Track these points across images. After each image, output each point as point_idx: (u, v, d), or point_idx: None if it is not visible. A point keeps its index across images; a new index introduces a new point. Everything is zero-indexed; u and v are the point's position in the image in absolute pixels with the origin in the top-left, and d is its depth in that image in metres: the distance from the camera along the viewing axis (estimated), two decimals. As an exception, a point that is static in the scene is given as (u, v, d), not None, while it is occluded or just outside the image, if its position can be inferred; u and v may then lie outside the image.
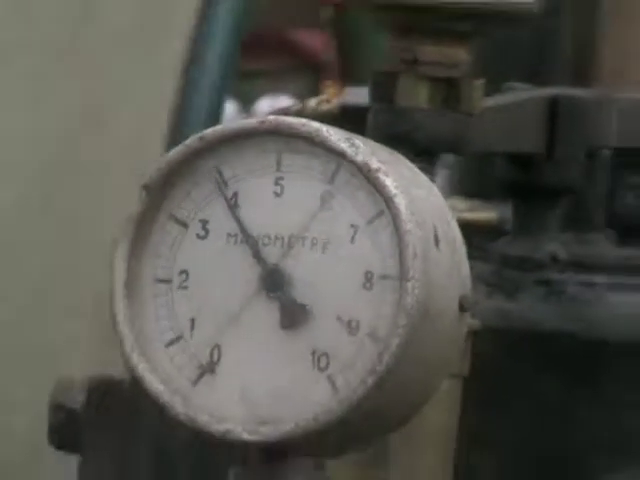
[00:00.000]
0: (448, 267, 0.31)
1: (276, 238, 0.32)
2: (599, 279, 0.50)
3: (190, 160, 0.32)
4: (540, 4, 0.39)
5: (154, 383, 0.31)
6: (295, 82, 2.18)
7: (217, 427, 0.31)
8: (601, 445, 0.45)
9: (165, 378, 0.32)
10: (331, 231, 0.31)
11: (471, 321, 0.35)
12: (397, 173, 0.31)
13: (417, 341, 0.30)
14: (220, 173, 0.32)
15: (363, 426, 0.31)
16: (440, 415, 0.38)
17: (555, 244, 0.49)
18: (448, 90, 0.38)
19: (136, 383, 0.32)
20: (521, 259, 0.50)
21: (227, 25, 0.62)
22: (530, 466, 0.46)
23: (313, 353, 0.31)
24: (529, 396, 0.46)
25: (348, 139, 0.31)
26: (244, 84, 1.84)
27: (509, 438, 0.46)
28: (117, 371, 0.39)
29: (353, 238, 0.31)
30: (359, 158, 0.30)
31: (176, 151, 0.33)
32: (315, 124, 0.32)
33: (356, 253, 0.31)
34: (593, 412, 0.45)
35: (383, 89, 0.41)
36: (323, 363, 0.31)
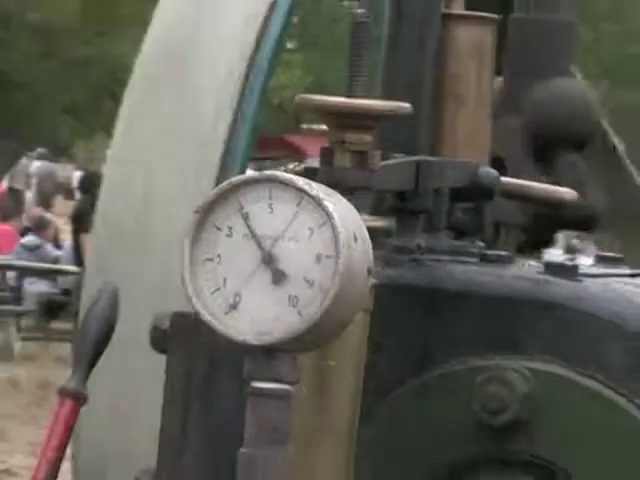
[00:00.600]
0: (361, 252, 0.59)
1: (269, 236, 0.59)
2: (442, 257, 0.85)
3: (224, 195, 0.59)
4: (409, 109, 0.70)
5: (204, 314, 0.58)
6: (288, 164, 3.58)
7: (238, 337, 0.57)
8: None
9: (210, 311, 0.59)
10: (299, 232, 0.58)
11: (372, 280, 0.62)
12: (333, 201, 0.58)
13: (345, 290, 0.57)
14: (239, 202, 0.59)
15: (319, 335, 0.58)
16: (354, 334, 0.65)
17: (419, 239, 0.82)
18: (361, 157, 0.66)
19: (195, 315, 0.58)
20: (401, 247, 0.80)
21: (248, 128, 0.93)
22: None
23: (289, 297, 0.58)
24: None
25: (308, 183, 0.58)
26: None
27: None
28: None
29: (311, 236, 0.58)
30: (314, 193, 0.58)
31: (215, 190, 0.60)
32: (292, 176, 0.59)
33: (313, 244, 0.58)
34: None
35: (327, 157, 0.69)
36: (294, 302, 0.59)
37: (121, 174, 1.02)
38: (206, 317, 0.58)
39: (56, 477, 0.76)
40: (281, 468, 0.58)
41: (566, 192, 1.04)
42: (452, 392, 0.78)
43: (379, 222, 0.71)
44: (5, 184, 15.78)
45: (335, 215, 0.57)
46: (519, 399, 0.74)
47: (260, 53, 0.97)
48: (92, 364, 0.75)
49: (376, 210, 0.75)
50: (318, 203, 0.57)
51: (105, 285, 0.79)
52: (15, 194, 15.68)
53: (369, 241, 0.60)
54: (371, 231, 0.61)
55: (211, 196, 0.59)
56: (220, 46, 0.99)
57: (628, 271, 0.91)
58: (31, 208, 13.66)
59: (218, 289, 0.59)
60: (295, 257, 0.58)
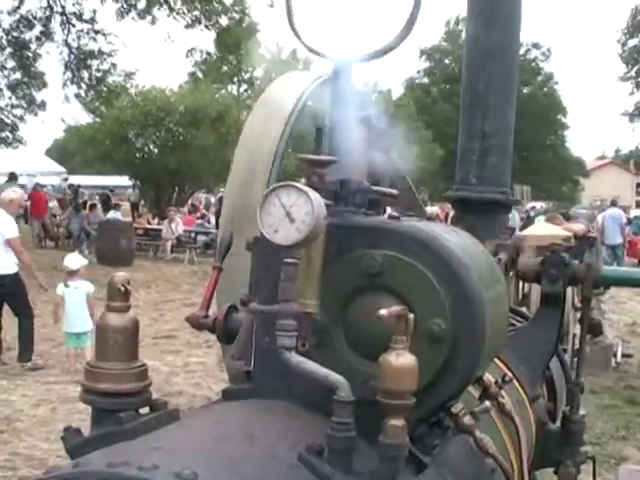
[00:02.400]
0: (321, 212, 1.61)
1: (289, 205, 1.59)
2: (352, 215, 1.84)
3: (274, 188, 1.61)
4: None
5: (267, 232, 1.60)
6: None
7: (278, 241, 1.59)
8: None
9: (267, 232, 1.59)
10: (299, 204, 1.59)
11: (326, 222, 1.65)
12: (312, 194, 1.60)
13: (316, 223, 1.58)
14: (277, 192, 1.60)
15: (306, 241, 1.59)
16: (319, 243, 1.66)
17: (344, 209, 1.82)
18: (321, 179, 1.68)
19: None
20: (337, 211, 1.83)
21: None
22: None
23: (296, 228, 1.59)
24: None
25: (303, 187, 1.60)
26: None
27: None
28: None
29: (303, 204, 1.58)
30: (304, 189, 1.59)
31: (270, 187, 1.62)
32: (295, 183, 1.61)
33: (303, 214, 1.59)
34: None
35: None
36: (298, 228, 1.59)
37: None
38: (267, 235, 1.57)
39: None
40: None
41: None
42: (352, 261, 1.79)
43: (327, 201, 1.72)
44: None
45: (314, 200, 1.57)
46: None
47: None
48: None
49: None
50: (305, 193, 1.58)
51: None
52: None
53: (324, 208, 1.61)
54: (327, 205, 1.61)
55: (270, 188, 1.57)
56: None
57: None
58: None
59: (270, 226, 1.58)
60: (298, 212, 1.57)
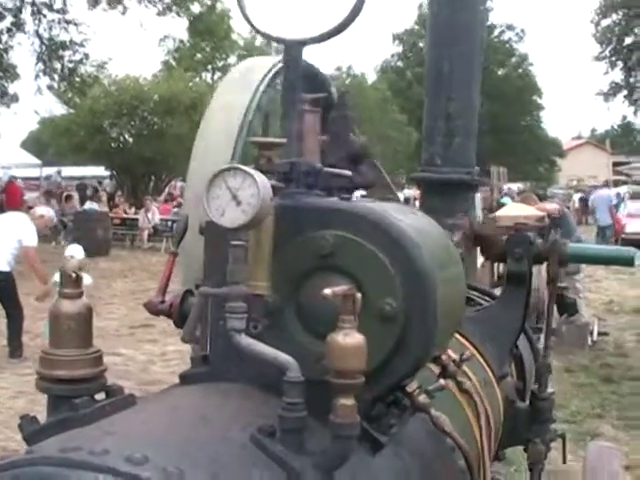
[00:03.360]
0: (267, 193, 1.61)
1: (235, 188, 1.59)
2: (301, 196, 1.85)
3: (220, 172, 1.60)
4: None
5: (214, 216, 1.60)
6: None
7: (218, 220, 1.60)
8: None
9: (213, 215, 1.59)
10: (245, 186, 1.59)
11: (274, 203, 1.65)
12: (259, 176, 1.60)
13: (262, 205, 1.59)
14: (224, 175, 1.60)
15: (253, 222, 1.59)
16: (269, 223, 1.66)
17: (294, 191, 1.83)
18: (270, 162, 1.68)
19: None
20: (287, 193, 1.83)
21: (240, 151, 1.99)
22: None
23: (242, 210, 1.59)
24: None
25: (250, 169, 1.60)
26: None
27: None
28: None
29: (249, 187, 1.59)
30: (251, 172, 1.59)
31: (216, 170, 1.62)
32: (243, 166, 1.61)
33: (248, 196, 1.59)
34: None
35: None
36: (244, 210, 1.59)
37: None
38: (214, 218, 1.58)
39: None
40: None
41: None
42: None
43: (276, 184, 1.72)
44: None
45: (257, 179, 1.58)
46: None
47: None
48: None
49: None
50: (251, 176, 1.58)
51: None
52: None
53: (270, 189, 1.61)
54: (273, 187, 1.62)
55: (216, 172, 1.58)
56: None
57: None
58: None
59: (217, 209, 1.58)
60: (244, 195, 1.58)
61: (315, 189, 1.92)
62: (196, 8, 24.75)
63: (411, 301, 1.74)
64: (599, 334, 12.32)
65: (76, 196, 29.85)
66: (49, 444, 1.53)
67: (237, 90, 2.90)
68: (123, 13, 23.81)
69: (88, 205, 25.90)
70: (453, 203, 3.99)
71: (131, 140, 33.34)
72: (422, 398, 1.82)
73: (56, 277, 10.42)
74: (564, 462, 4.10)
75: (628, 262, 3.86)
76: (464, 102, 4.05)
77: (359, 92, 51.63)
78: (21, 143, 53.59)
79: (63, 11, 24.24)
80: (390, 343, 1.75)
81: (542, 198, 15.91)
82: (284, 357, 1.56)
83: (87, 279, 9.97)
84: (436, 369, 2.37)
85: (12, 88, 25.76)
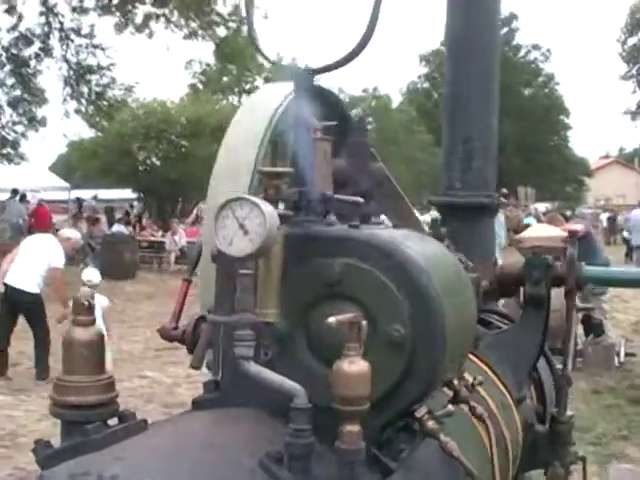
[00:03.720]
0: (274, 223, 1.63)
1: (242, 217, 1.62)
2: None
3: (228, 202, 1.63)
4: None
5: (221, 244, 1.62)
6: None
7: (231, 253, 1.62)
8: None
9: (221, 244, 1.62)
10: (251, 224, 1.62)
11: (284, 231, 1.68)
12: (266, 206, 1.63)
13: (268, 235, 1.61)
14: (232, 205, 1.62)
15: (261, 251, 1.62)
16: (277, 251, 1.69)
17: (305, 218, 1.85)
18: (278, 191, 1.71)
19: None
20: (297, 221, 1.85)
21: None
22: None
23: (249, 239, 1.61)
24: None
25: (256, 199, 1.63)
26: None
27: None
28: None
29: (256, 217, 1.61)
30: (256, 201, 1.62)
31: (224, 201, 1.65)
32: (249, 196, 1.64)
33: (255, 225, 1.62)
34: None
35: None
36: (251, 239, 1.61)
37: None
38: (222, 247, 1.60)
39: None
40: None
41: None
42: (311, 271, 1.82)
43: (285, 213, 1.75)
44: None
45: (264, 209, 1.60)
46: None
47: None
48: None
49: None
50: (258, 206, 1.61)
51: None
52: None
53: (277, 219, 1.63)
54: (282, 216, 1.64)
55: (224, 201, 1.61)
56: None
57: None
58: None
59: (225, 238, 1.61)
60: (251, 224, 1.61)
61: (326, 217, 1.94)
62: (222, 32, 24.98)
63: (419, 327, 1.75)
64: (626, 355, 12.21)
65: (104, 219, 30.06)
66: (60, 469, 1.56)
67: (255, 118, 2.94)
68: (150, 37, 24.06)
69: (116, 228, 26.05)
70: (474, 227, 4.00)
71: (158, 163, 33.55)
72: (431, 423, 1.83)
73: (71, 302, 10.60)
74: (585, 485, 4.07)
75: (647, 284, 3.84)
76: (482, 125, 4.06)
77: (384, 113, 51.81)
78: (50, 166, 54.09)
79: (90, 36, 24.55)
80: (398, 369, 1.76)
81: (567, 218, 15.85)
82: (291, 384, 1.58)
83: (104, 301, 10.31)
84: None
85: (40, 112, 26.08)
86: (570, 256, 3.46)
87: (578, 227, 12.55)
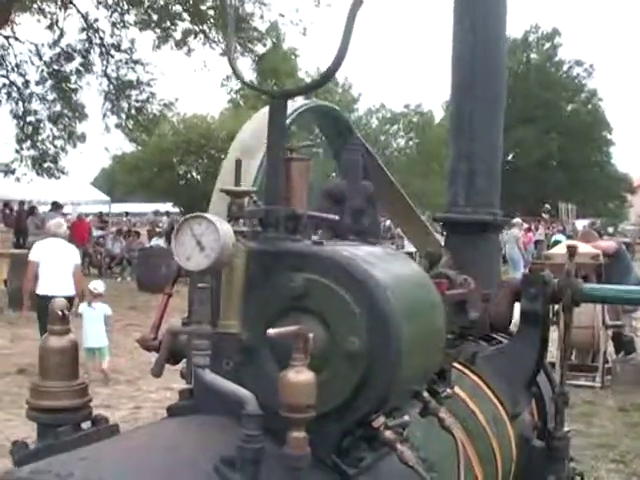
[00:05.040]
0: (229, 238, 1.73)
1: (199, 234, 1.71)
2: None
3: (186, 219, 1.73)
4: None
5: (181, 260, 1.72)
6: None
7: (190, 267, 1.72)
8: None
9: (180, 259, 1.72)
10: (207, 241, 1.71)
11: (247, 247, 1.77)
12: (222, 224, 1.72)
13: (222, 250, 1.71)
14: (190, 223, 1.72)
15: (216, 266, 1.71)
16: (239, 264, 1.78)
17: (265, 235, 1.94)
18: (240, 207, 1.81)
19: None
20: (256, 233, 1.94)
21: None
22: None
23: (205, 255, 1.71)
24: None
25: (211, 216, 1.72)
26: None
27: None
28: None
29: (211, 234, 1.71)
30: (212, 219, 1.71)
31: (182, 219, 1.74)
32: (206, 214, 1.74)
33: (211, 241, 1.71)
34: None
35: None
36: (207, 255, 1.71)
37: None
38: (180, 262, 1.70)
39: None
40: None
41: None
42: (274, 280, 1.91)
43: (242, 228, 1.84)
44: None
45: (219, 226, 1.69)
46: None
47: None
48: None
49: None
50: (213, 223, 1.70)
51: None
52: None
53: (232, 235, 1.72)
54: (236, 232, 1.74)
55: (182, 219, 1.71)
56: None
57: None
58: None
59: (183, 254, 1.70)
60: (207, 240, 1.70)
61: (296, 234, 2.03)
62: (260, 48, 25.21)
63: (375, 340, 1.83)
64: (656, 373, 12.10)
65: (144, 232, 30.39)
66: (25, 468, 1.66)
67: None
68: (188, 54, 24.37)
69: (154, 242, 26.34)
70: (477, 244, 4.06)
71: (198, 177, 33.89)
72: (388, 433, 1.90)
73: (81, 308, 11.35)
74: (584, 501, 4.11)
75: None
76: (486, 143, 4.12)
77: (425, 129, 51.81)
78: (93, 180, 54.81)
79: (130, 51, 24.92)
80: (354, 380, 1.84)
81: (601, 235, 15.76)
82: (243, 392, 1.67)
83: (107, 310, 11.38)
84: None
85: (80, 128, 26.50)
86: (567, 272, 3.50)
87: (609, 244, 12.51)
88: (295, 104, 3.46)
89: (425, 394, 2.23)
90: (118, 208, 38.15)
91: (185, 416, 2.02)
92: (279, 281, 1.88)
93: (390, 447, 1.91)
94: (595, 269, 11.47)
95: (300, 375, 1.60)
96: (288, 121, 3.29)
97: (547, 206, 37.41)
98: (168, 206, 37.59)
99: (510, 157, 58.31)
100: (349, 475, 1.91)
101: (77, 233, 25.84)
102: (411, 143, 59.61)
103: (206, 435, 1.86)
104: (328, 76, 2.11)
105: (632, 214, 65.44)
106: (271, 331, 1.60)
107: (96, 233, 29.02)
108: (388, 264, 2.05)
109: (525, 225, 32.14)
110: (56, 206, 25.38)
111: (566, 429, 3.66)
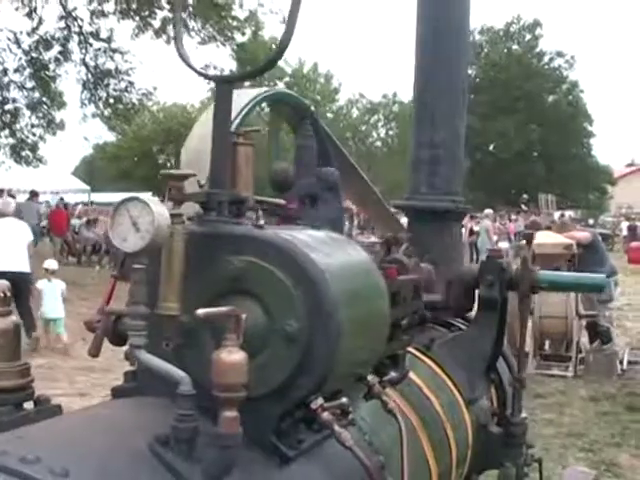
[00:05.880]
0: (165, 221, 1.75)
1: (136, 216, 1.73)
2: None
3: (122, 201, 1.75)
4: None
5: (116, 242, 1.74)
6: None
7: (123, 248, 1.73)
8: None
9: (116, 242, 1.73)
10: (143, 223, 1.73)
11: (186, 229, 1.79)
12: (157, 206, 1.74)
13: (156, 232, 1.73)
14: (127, 204, 1.74)
15: (151, 247, 1.73)
16: (178, 245, 1.79)
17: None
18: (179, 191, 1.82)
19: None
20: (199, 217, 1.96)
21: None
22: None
23: (140, 236, 1.72)
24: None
25: (147, 198, 1.74)
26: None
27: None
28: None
29: (146, 215, 1.73)
30: (146, 200, 1.73)
31: (119, 200, 1.76)
32: (141, 196, 1.75)
33: (147, 223, 1.73)
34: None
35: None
36: (143, 236, 1.72)
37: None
38: (117, 243, 1.72)
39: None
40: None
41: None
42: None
43: (178, 211, 1.85)
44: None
45: (154, 208, 1.71)
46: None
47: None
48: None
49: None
50: (148, 205, 1.71)
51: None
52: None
53: (167, 217, 1.73)
54: (175, 215, 1.76)
55: (119, 201, 1.72)
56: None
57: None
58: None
59: (119, 235, 1.72)
60: (143, 222, 1.71)
61: (241, 218, 2.05)
62: (239, 37, 25.12)
63: (313, 323, 1.86)
64: (629, 363, 12.21)
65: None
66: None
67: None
68: (168, 42, 24.26)
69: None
70: (439, 231, 4.10)
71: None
72: (325, 415, 1.92)
73: (40, 284, 12.55)
74: (540, 486, 4.16)
75: (598, 288, 3.93)
76: (448, 131, 4.16)
77: (406, 119, 51.76)
78: (74, 169, 54.57)
79: (109, 40, 24.80)
80: (293, 362, 1.87)
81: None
82: (176, 372, 1.69)
83: (62, 284, 12.72)
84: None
85: (59, 116, 26.36)
86: (524, 259, 3.54)
87: (583, 235, 12.59)
88: (254, 92, 3.48)
89: (370, 377, 2.25)
90: (98, 198, 38.01)
91: (127, 398, 2.04)
92: (219, 264, 1.90)
93: (328, 428, 1.93)
94: (568, 259, 11.56)
95: (232, 355, 1.61)
96: (247, 109, 3.32)
97: (524, 196, 37.53)
98: (148, 195, 37.46)
99: (491, 148, 58.50)
100: (288, 457, 1.94)
101: (55, 223, 25.74)
102: (392, 133, 59.61)
103: (144, 415, 1.88)
104: (272, 62, 2.13)
105: (613, 205, 65.80)
106: (200, 311, 1.61)
107: (74, 222, 28.86)
108: (330, 248, 2.08)
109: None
110: (33, 194, 25.25)
111: (523, 415, 3.70)
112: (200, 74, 2.08)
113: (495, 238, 25.84)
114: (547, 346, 12.58)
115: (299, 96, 3.39)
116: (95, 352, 1.92)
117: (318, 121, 3.46)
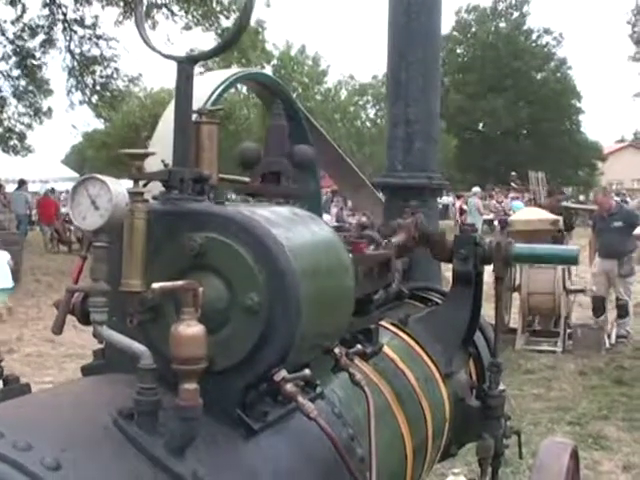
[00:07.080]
0: (123, 199, 1.77)
1: (94, 195, 1.76)
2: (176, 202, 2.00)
3: (82, 180, 1.78)
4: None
5: (76, 220, 1.77)
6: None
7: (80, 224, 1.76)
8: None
9: (76, 218, 1.76)
10: (101, 201, 1.76)
11: (148, 207, 1.81)
12: (115, 185, 1.77)
13: (115, 209, 1.75)
14: (86, 183, 1.77)
15: (110, 225, 1.75)
16: (140, 224, 1.82)
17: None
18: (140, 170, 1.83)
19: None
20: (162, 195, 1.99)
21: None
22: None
23: (99, 214, 1.75)
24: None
25: (106, 178, 1.77)
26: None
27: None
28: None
29: (104, 194, 1.75)
30: (104, 179, 1.76)
31: (79, 179, 1.78)
32: (100, 175, 1.78)
33: (105, 202, 1.76)
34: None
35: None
36: (101, 214, 1.75)
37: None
38: (77, 222, 1.74)
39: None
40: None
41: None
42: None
43: (141, 189, 1.88)
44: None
45: (111, 187, 1.74)
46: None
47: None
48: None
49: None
50: (107, 184, 1.74)
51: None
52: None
53: (125, 196, 1.76)
54: (136, 193, 1.78)
55: (78, 180, 1.75)
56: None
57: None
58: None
59: (79, 214, 1.74)
60: (101, 201, 1.74)
61: (203, 195, 2.08)
62: (224, 21, 25.06)
63: (274, 296, 1.89)
64: (618, 337, 12.29)
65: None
66: None
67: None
68: (153, 28, 24.18)
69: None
70: (414, 207, 4.12)
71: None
72: (289, 387, 1.96)
73: None
74: (520, 458, 4.21)
75: (572, 260, 3.96)
76: (422, 108, 4.19)
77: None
78: (64, 157, 54.43)
79: (94, 26, 24.74)
80: (255, 335, 1.90)
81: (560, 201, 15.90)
82: (137, 346, 1.72)
83: (6, 255, 13.68)
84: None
85: (46, 104, 26.30)
86: (497, 234, 3.58)
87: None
88: (227, 72, 3.50)
89: (337, 350, 2.28)
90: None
91: (97, 375, 2.07)
92: (180, 240, 1.92)
93: (292, 400, 1.97)
94: (554, 235, 11.62)
95: (189, 328, 1.65)
96: (220, 90, 3.34)
97: (513, 173, 37.52)
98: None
99: (480, 127, 58.46)
100: (254, 429, 1.97)
101: (44, 211, 25.70)
102: (381, 113, 59.52)
103: (110, 391, 1.91)
104: (231, 41, 2.15)
105: (603, 182, 65.81)
106: (155, 285, 1.65)
107: (64, 210, 28.79)
108: (292, 224, 2.11)
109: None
110: (22, 183, 25.22)
111: (501, 387, 3.74)
112: (163, 55, 2.10)
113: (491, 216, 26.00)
114: (536, 322, 12.64)
115: (273, 76, 3.39)
116: (57, 330, 1.94)
117: (292, 100, 3.48)
